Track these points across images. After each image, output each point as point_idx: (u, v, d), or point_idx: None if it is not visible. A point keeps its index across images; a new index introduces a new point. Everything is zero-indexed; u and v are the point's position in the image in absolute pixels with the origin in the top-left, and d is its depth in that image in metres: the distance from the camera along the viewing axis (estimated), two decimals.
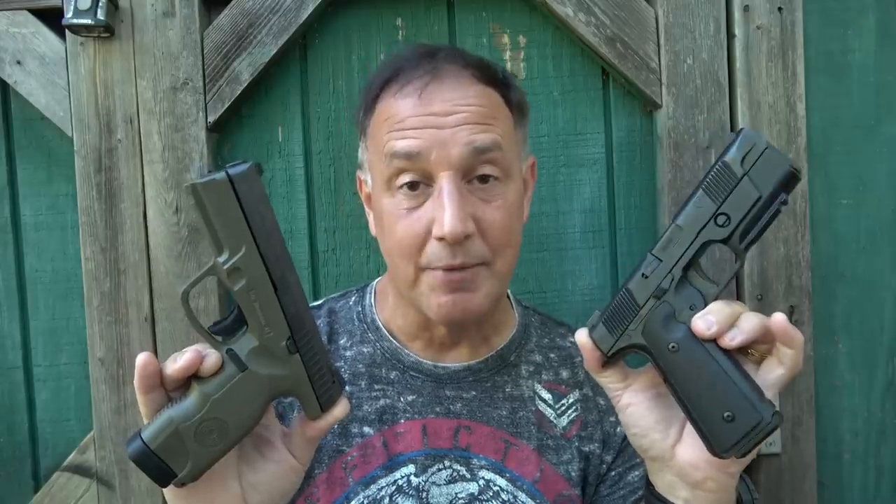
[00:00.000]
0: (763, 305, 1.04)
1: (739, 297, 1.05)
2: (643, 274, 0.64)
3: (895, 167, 1.10)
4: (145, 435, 0.60)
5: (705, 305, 0.62)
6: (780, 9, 1.04)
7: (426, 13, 1.10)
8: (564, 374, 0.89)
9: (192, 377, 0.61)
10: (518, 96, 0.84)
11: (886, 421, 1.11)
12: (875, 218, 1.10)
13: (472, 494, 0.82)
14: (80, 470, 1.06)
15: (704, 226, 0.62)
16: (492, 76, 0.80)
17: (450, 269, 0.75)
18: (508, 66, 1.11)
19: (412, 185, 0.76)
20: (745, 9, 1.03)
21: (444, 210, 0.73)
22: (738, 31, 1.04)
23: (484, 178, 0.77)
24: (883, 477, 1.11)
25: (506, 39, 1.11)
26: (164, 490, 0.64)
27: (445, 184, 0.74)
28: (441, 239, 0.74)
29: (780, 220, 1.04)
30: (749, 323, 0.60)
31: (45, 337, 1.12)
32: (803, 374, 1.05)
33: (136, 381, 0.60)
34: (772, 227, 1.03)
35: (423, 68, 0.78)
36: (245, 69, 1.04)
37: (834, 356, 1.10)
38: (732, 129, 1.05)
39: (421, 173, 0.76)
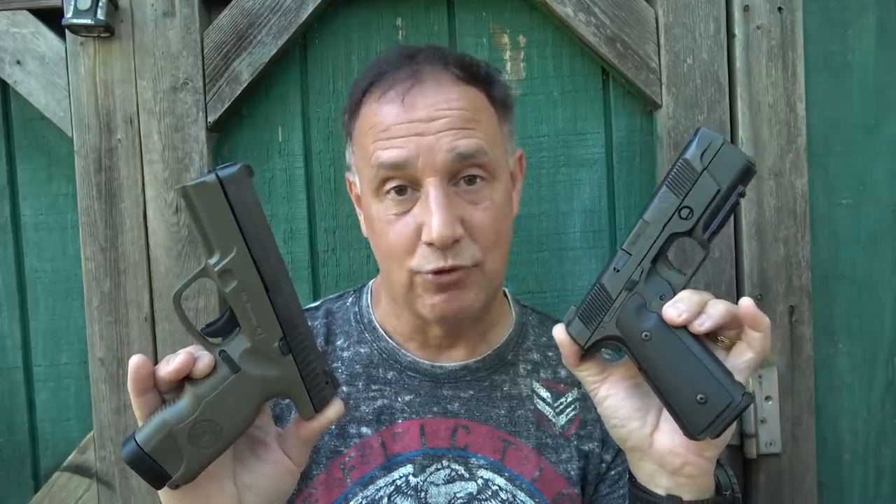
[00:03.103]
0: (763, 305, 1.03)
1: (739, 296, 1.05)
2: (615, 268, 0.67)
3: (895, 167, 1.10)
4: (139, 437, 0.60)
5: (674, 294, 0.65)
6: (780, 9, 1.04)
7: (426, 13, 1.10)
8: (563, 372, 0.89)
9: (185, 379, 0.61)
10: (502, 92, 0.84)
11: (886, 421, 1.11)
12: (875, 218, 1.10)
13: (470, 494, 0.82)
14: (80, 470, 1.06)
15: (669, 219, 0.65)
16: (474, 74, 0.81)
17: (440, 272, 0.76)
18: (508, 66, 1.11)
19: (400, 190, 0.77)
20: (745, 9, 1.03)
21: (433, 215, 0.74)
22: (738, 31, 1.04)
23: (471, 180, 0.77)
24: (883, 477, 1.11)
25: (506, 39, 1.11)
26: (159, 492, 0.64)
27: (432, 189, 0.75)
28: (430, 244, 0.75)
29: (780, 220, 1.04)
30: (716, 309, 0.63)
31: (45, 337, 1.12)
32: (803, 374, 1.05)
33: (129, 384, 0.60)
34: (772, 227, 1.04)
35: (405, 71, 0.78)
36: (245, 69, 1.04)
37: (834, 356, 1.10)
38: (733, 128, 1.05)
39: (408, 179, 0.76)
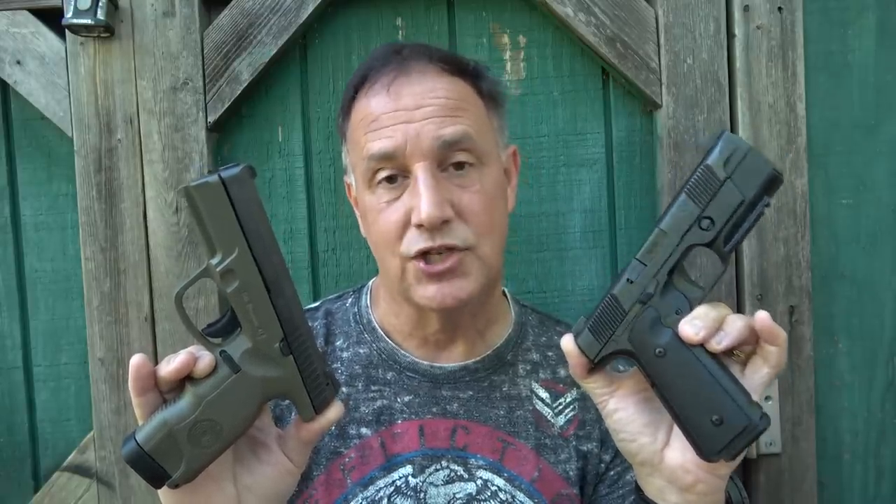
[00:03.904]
0: (763, 305, 1.03)
1: (739, 297, 1.05)
2: (628, 279, 0.64)
3: (895, 167, 1.10)
4: (139, 436, 0.60)
5: (691, 309, 0.62)
6: (780, 9, 1.04)
7: (426, 13, 1.10)
8: (562, 372, 0.89)
9: (186, 379, 0.61)
10: (489, 86, 0.85)
11: (886, 421, 1.11)
12: (875, 218, 1.10)
13: (469, 494, 0.82)
14: (80, 470, 1.06)
15: (688, 230, 0.62)
16: (459, 67, 0.82)
17: (430, 252, 0.76)
18: (508, 66, 1.11)
19: (390, 179, 0.78)
20: (745, 9, 1.03)
21: (421, 197, 0.74)
22: (738, 31, 1.04)
23: (459, 165, 0.78)
24: (883, 477, 1.11)
25: (506, 39, 1.11)
26: (159, 492, 0.64)
27: (420, 173, 0.76)
28: (420, 226, 0.75)
29: (781, 220, 1.04)
30: (735, 325, 0.61)
31: (45, 337, 1.12)
32: (803, 374, 1.05)
33: (130, 383, 0.60)
34: (772, 227, 1.04)
35: (391, 65, 0.80)
36: (245, 69, 1.04)
37: (834, 356, 1.10)
38: (733, 128, 1.05)
39: (398, 167, 0.77)
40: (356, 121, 0.82)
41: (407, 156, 0.76)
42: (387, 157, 0.77)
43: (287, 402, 0.84)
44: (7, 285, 1.12)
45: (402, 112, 0.77)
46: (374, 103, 0.79)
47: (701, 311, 0.62)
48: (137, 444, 0.60)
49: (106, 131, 1.04)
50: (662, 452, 0.65)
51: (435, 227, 0.75)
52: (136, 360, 0.60)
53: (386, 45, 0.87)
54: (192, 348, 0.62)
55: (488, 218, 0.79)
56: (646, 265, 0.63)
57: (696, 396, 0.61)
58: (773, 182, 0.61)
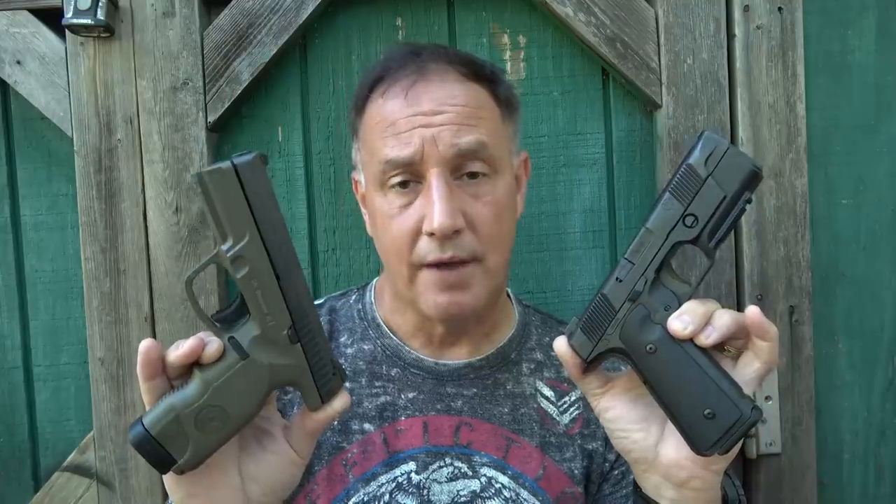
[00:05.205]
0: (763, 305, 1.03)
1: (739, 297, 1.05)
2: (617, 278, 0.65)
3: (895, 167, 1.10)
4: (146, 421, 0.60)
5: (679, 305, 0.63)
6: (780, 9, 1.04)
7: (426, 13, 1.11)
8: (566, 371, 0.89)
9: (194, 365, 0.61)
10: (506, 91, 0.84)
11: (886, 421, 1.11)
12: (875, 218, 1.10)
13: (473, 492, 0.82)
14: (80, 470, 1.06)
15: (673, 227, 0.63)
16: (478, 72, 0.81)
17: (441, 263, 0.76)
18: (508, 66, 1.11)
19: (403, 183, 0.78)
20: (745, 9, 1.03)
21: (434, 206, 0.74)
22: (738, 31, 1.04)
23: (473, 175, 0.78)
24: (883, 477, 1.11)
25: (506, 39, 1.11)
26: (163, 477, 0.64)
27: (434, 180, 0.75)
28: (431, 234, 0.75)
29: (780, 220, 1.04)
30: (722, 320, 0.61)
31: (45, 337, 1.12)
32: (803, 374, 1.05)
33: (138, 368, 0.60)
34: (772, 227, 1.04)
35: (409, 68, 0.80)
36: (245, 69, 1.04)
37: (834, 356, 1.10)
38: (733, 128, 1.05)
39: (411, 173, 0.77)
40: (371, 122, 0.81)
41: (422, 162, 0.76)
42: (401, 165, 0.77)
43: (288, 396, 0.85)
44: (7, 285, 1.12)
45: (419, 117, 0.76)
46: (391, 106, 0.78)
47: (689, 306, 0.62)
48: (144, 427, 0.60)
49: (106, 131, 1.04)
50: (656, 448, 0.66)
51: (446, 236, 0.75)
52: (145, 344, 0.60)
53: (403, 44, 0.87)
54: (201, 334, 0.62)
55: (498, 229, 0.79)
56: (634, 264, 0.64)
57: (687, 391, 0.62)
58: (752, 178, 0.62)
